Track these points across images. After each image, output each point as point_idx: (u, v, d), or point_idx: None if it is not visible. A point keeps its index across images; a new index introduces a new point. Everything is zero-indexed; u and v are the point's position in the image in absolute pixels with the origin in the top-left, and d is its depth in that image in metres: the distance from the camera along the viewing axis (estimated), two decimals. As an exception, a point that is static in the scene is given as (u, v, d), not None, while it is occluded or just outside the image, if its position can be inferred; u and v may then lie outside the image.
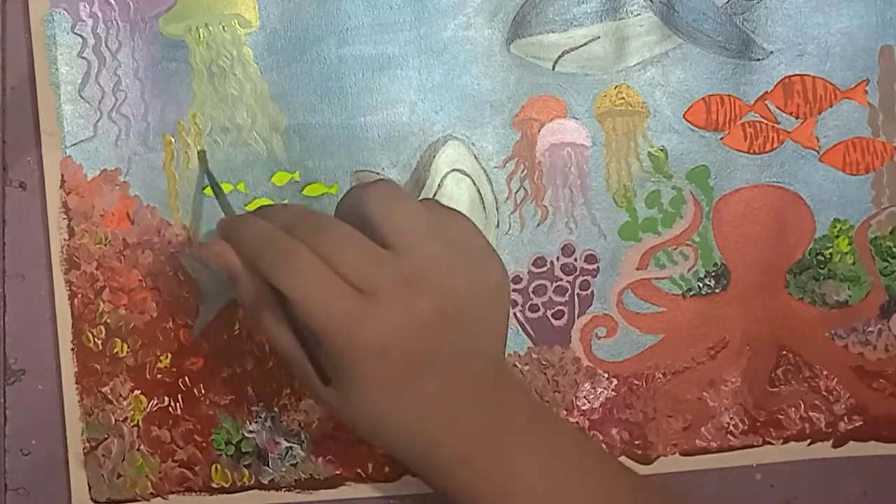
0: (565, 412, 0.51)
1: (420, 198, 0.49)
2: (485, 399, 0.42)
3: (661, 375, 0.51)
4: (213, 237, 0.43)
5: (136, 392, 0.50)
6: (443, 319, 0.40)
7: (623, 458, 0.51)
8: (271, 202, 0.50)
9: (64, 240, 0.50)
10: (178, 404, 0.50)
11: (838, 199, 0.50)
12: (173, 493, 0.50)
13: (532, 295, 0.50)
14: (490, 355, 0.43)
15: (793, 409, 0.51)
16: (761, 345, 0.51)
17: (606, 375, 0.51)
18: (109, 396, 0.50)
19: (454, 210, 0.43)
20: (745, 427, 0.51)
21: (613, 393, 0.51)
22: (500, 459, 0.42)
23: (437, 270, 0.40)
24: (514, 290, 0.50)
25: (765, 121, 0.50)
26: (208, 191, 0.49)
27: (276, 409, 0.50)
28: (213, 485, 0.50)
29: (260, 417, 0.50)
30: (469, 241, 0.42)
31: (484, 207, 0.50)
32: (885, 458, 0.51)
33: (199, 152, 0.49)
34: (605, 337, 0.51)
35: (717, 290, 0.51)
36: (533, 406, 0.47)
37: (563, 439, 0.45)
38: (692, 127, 0.50)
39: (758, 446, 0.51)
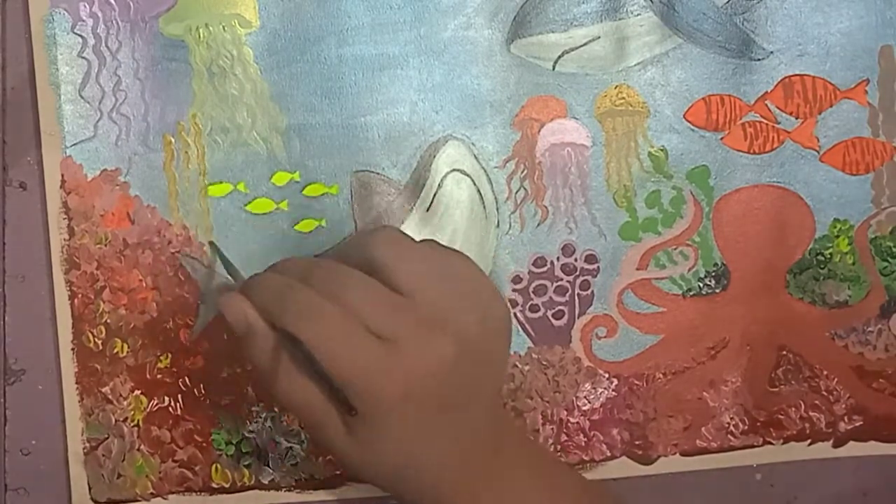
0: (566, 412, 0.51)
1: (420, 199, 0.50)
2: (487, 431, 0.43)
3: (661, 375, 0.51)
4: (229, 294, 0.42)
5: (137, 392, 0.50)
6: (459, 361, 0.40)
7: (623, 459, 0.51)
8: (271, 202, 0.50)
9: (64, 240, 0.50)
10: (178, 404, 0.50)
11: (838, 199, 0.50)
12: (173, 493, 0.50)
13: (532, 295, 0.50)
14: (494, 391, 0.44)
15: (793, 409, 0.51)
16: (761, 345, 0.51)
17: (607, 375, 0.51)
18: (109, 396, 0.50)
19: (455, 250, 0.43)
20: (746, 427, 0.51)
21: (614, 393, 0.51)
22: (500, 488, 0.43)
23: (450, 313, 0.40)
24: (515, 290, 0.50)
25: (765, 121, 0.50)
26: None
27: (276, 409, 0.50)
28: (213, 485, 0.50)
29: (260, 417, 0.50)
30: (474, 280, 0.42)
31: (484, 207, 0.50)
32: (885, 458, 0.51)
33: (209, 243, 0.49)
34: (605, 337, 0.51)
35: (717, 290, 0.51)
36: (522, 434, 0.48)
37: (553, 471, 0.46)
38: (692, 127, 0.50)
39: (758, 446, 0.51)
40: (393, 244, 0.41)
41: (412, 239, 0.42)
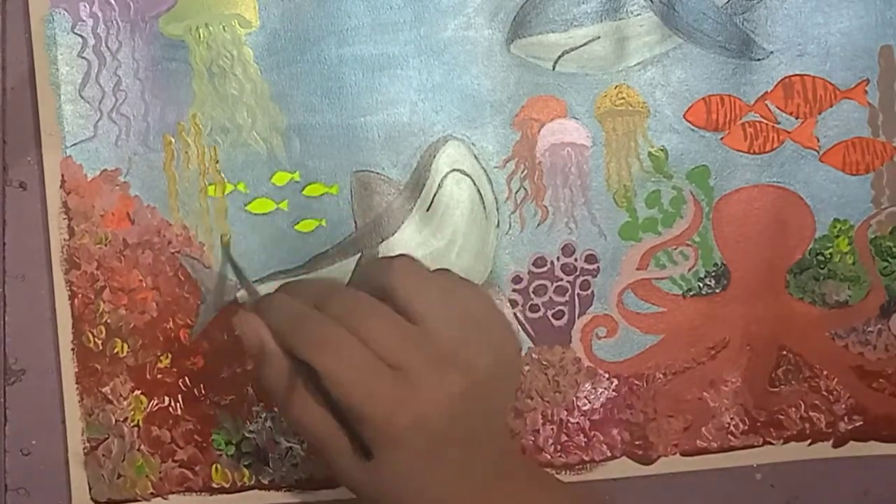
0: (566, 412, 0.51)
1: (420, 199, 0.50)
2: (494, 465, 0.43)
3: (661, 375, 0.51)
4: (244, 313, 0.42)
5: (137, 392, 0.50)
6: (470, 394, 0.40)
7: (624, 459, 0.51)
8: (271, 202, 0.50)
9: (64, 240, 0.50)
10: (178, 404, 0.50)
11: (838, 199, 0.50)
12: (173, 493, 0.50)
13: (532, 295, 0.50)
14: (503, 423, 0.45)
15: (793, 409, 0.51)
16: (761, 345, 0.51)
17: (607, 375, 0.51)
18: (109, 396, 0.50)
19: (470, 282, 0.43)
20: (746, 427, 0.51)
21: (614, 393, 0.51)
22: None
23: (462, 345, 0.40)
24: (515, 290, 0.50)
25: (765, 121, 0.50)
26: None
27: (276, 409, 0.50)
28: (214, 485, 0.50)
29: (260, 417, 0.50)
30: (488, 314, 0.42)
31: (484, 207, 0.50)
32: (885, 458, 0.51)
33: (221, 237, 0.49)
34: (605, 337, 0.51)
35: (717, 290, 0.51)
36: (528, 465, 0.48)
37: (559, 497, 0.46)
38: (692, 127, 0.50)
39: (758, 446, 0.51)
40: (410, 273, 0.41)
41: (427, 268, 0.42)
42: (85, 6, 0.49)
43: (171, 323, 0.50)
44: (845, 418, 0.51)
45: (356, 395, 0.39)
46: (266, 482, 0.50)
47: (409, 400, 0.39)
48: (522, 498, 0.44)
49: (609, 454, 0.51)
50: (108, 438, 0.50)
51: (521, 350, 0.44)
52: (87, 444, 0.50)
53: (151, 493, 0.50)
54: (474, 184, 0.50)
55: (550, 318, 0.51)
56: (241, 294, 0.49)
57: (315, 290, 0.42)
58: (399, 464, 0.40)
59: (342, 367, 0.39)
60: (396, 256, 0.42)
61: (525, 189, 0.50)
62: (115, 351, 0.50)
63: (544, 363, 0.50)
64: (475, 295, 0.43)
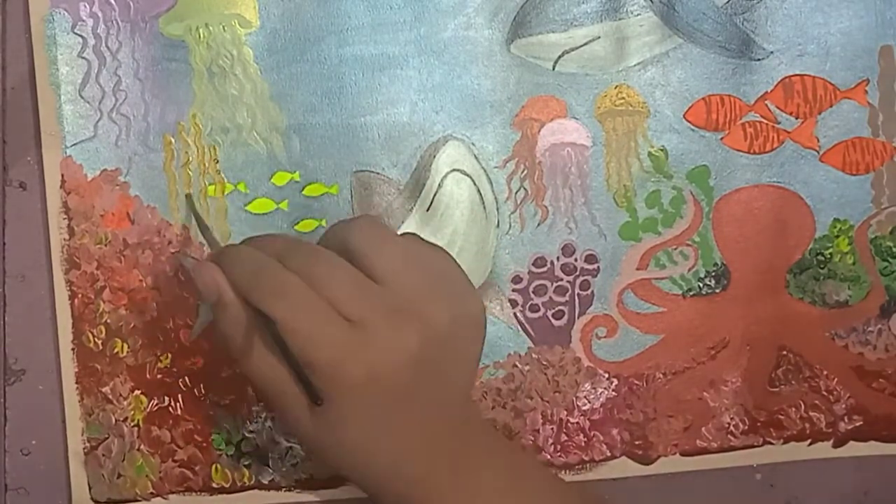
0: (566, 412, 0.51)
1: (420, 199, 0.50)
2: (454, 427, 0.43)
3: (661, 375, 0.51)
4: (203, 262, 0.43)
5: (137, 392, 0.50)
6: (426, 351, 0.40)
7: (623, 459, 0.51)
8: (271, 202, 0.50)
9: (64, 240, 0.50)
10: (178, 404, 0.50)
11: (838, 199, 0.50)
12: (173, 493, 0.50)
13: (532, 295, 0.50)
14: (463, 384, 0.44)
15: (793, 409, 0.51)
16: (761, 345, 0.51)
17: (607, 375, 0.51)
18: (109, 396, 0.50)
19: (434, 244, 0.44)
20: (746, 427, 0.51)
21: (614, 393, 0.51)
22: (465, 486, 0.43)
23: (422, 302, 0.41)
24: (514, 290, 0.50)
25: (765, 121, 0.50)
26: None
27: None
28: (214, 485, 0.50)
29: (260, 417, 0.50)
30: (450, 274, 0.43)
31: (484, 207, 0.50)
32: (885, 458, 0.51)
33: (186, 195, 0.49)
34: (605, 337, 0.51)
35: (717, 290, 0.51)
36: (492, 433, 0.48)
37: (521, 462, 0.46)
38: (692, 127, 0.50)
39: (758, 446, 0.51)
40: (371, 232, 0.41)
41: (392, 230, 0.42)
42: (85, 6, 0.49)
43: (171, 323, 0.50)
44: (845, 418, 0.51)
45: (311, 347, 0.39)
46: (266, 482, 0.50)
47: (362, 351, 0.39)
48: (482, 460, 0.43)
49: (609, 454, 0.51)
50: (108, 438, 0.50)
51: (484, 311, 0.43)
52: (87, 444, 0.50)
53: (151, 493, 0.50)
54: (474, 184, 0.50)
55: (550, 318, 0.51)
56: (189, 260, 0.49)
57: (278, 244, 0.42)
58: (349, 414, 0.40)
59: (296, 316, 0.39)
60: (359, 217, 0.43)
61: (525, 189, 0.50)
62: (115, 351, 0.50)
63: (544, 363, 0.50)
64: (438, 256, 0.43)
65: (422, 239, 0.43)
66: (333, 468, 0.43)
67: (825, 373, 0.51)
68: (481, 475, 0.43)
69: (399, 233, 0.43)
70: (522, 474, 0.45)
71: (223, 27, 0.49)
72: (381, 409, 0.40)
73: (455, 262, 0.43)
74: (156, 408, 0.50)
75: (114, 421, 0.50)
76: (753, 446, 0.51)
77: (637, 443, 0.51)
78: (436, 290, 0.41)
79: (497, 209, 0.50)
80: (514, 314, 0.50)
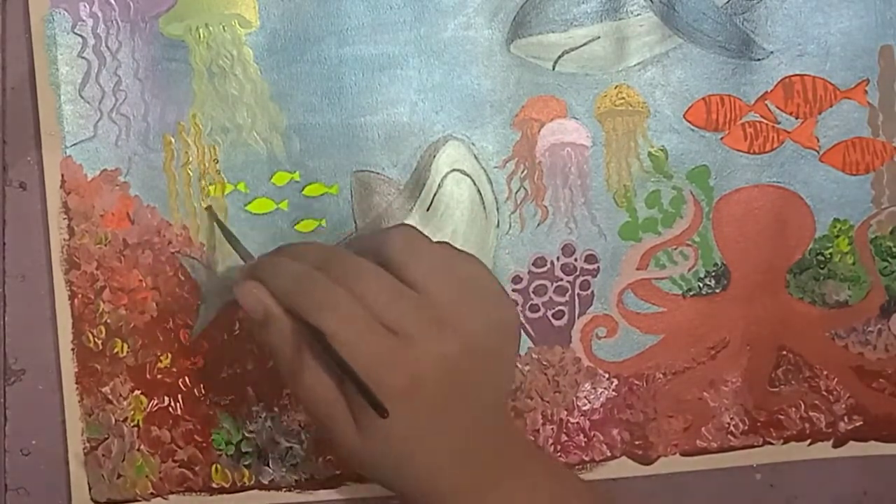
0: (566, 412, 0.51)
1: (420, 199, 0.50)
2: (491, 433, 0.43)
3: (661, 375, 0.51)
4: (242, 278, 0.43)
5: (137, 392, 0.50)
6: (465, 359, 0.40)
7: (623, 459, 0.51)
8: (271, 202, 0.50)
9: (64, 240, 0.50)
10: (178, 404, 0.50)
11: (838, 199, 0.50)
12: (173, 493, 0.50)
13: (532, 295, 0.50)
14: (500, 392, 0.45)
15: (793, 409, 0.51)
16: (761, 345, 0.51)
17: (607, 375, 0.51)
18: (109, 396, 0.50)
19: (468, 253, 0.44)
20: (746, 427, 0.51)
21: (614, 393, 0.51)
22: (505, 495, 0.43)
23: (459, 311, 0.41)
24: (515, 291, 0.50)
25: (765, 121, 0.50)
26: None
27: (276, 409, 0.50)
28: (214, 485, 0.50)
29: (260, 417, 0.50)
30: (484, 281, 0.43)
31: (484, 207, 0.50)
32: (885, 458, 0.51)
33: (206, 208, 0.49)
34: (605, 337, 0.51)
35: (717, 290, 0.51)
36: (525, 441, 0.48)
37: (556, 469, 0.46)
38: (692, 127, 0.50)
39: (758, 446, 0.51)
40: (409, 241, 0.42)
41: (428, 238, 0.42)
42: (85, 6, 0.49)
43: (171, 323, 0.50)
44: (845, 418, 0.51)
45: (354, 354, 0.39)
46: (266, 482, 0.50)
47: (404, 361, 0.39)
48: (517, 469, 0.43)
49: (609, 454, 0.51)
50: (108, 438, 0.50)
51: (518, 319, 0.44)
52: (87, 444, 0.50)
53: (151, 493, 0.50)
54: (474, 184, 0.50)
55: (550, 318, 0.51)
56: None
57: (315, 253, 0.42)
58: (393, 427, 0.40)
59: (344, 327, 0.39)
60: (395, 226, 0.43)
61: (525, 189, 0.50)
62: (115, 351, 0.50)
63: (544, 363, 0.50)
64: (473, 264, 0.43)
65: (454, 247, 0.43)
66: (381, 482, 0.42)
67: (825, 373, 0.51)
68: (520, 483, 0.43)
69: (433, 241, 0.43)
70: (558, 483, 0.45)
71: (223, 27, 0.49)
72: (422, 418, 0.40)
73: (487, 268, 0.43)
74: (156, 408, 0.50)
75: (114, 421, 0.50)
76: (753, 446, 0.51)
77: (637, 443, 0.51)
78: (472, 297, 0.41)
79: (497, 209, 0.50)
80: (514, 314, 0.50)
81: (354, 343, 0.39)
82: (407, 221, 0.50)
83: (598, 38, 0.50)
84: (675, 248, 0.51)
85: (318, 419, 0.41)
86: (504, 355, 0.44)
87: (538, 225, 0.50)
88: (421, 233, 0.42)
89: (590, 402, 0.51)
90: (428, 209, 0.50)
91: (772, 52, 0.50)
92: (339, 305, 0.39)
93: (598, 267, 0.51)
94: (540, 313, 0.51)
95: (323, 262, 0.41)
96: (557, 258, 0.50)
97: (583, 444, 0.51)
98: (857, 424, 0.51)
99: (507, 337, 0.44)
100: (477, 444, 0.42)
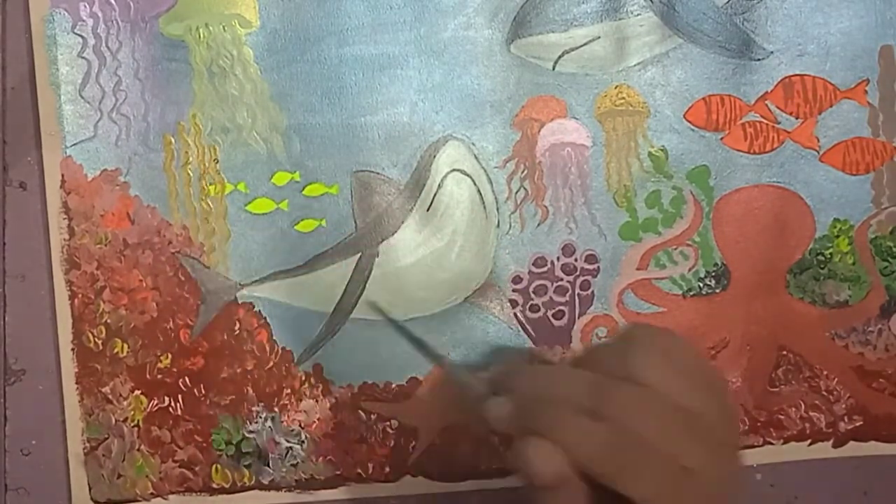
0: (565, 412, 0.50)
1: (420, 199, 0.50)
2: None
3: (661, 375, 0.51)
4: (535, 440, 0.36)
5: (137, 392, 0.50)
6: (734, 479, 0.38)
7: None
8: (271, 202, 0.50)
9: (64, 240, 0.50)
10: (178, 404, 0.50)
11: (838, 199, 0.50)
12: (173, 493, 0.50)
13: (532, 295, 0.50)
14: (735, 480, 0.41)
15: (793, 409, 0.51)
16: (761, 345, 0.51)
17: (607, 375, 0.51)
18: (109, 396, 0.50)
19: (685, 342, 0.39)
20: (746, 427, 0.51)
21: (614, 393, 0.51)
22: None
23: (727, 429, 0.38)
24: (515, 290, 0.50)
25: (765, 121, 0.50)
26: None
27: (276, 409, 0.50)
28: (214, 485, 0.50)
29: (260, 417, 0.50)
30: (716, 381, 0.39)
31: (484, 207, 0.50)
32: (885, 458, 0.51)
33: (370, 303, 0.49)
34: (605, 337, 0.51)
35: (717, 290, 0.51)
36: None
37: None
38: (692, 127, 0.50)
39: (758, 446, 0.51)
40: (657, 359, 0.37)
41: (664, 343, 0.38)
42: (85, 6, 0.49)
43: (171, 323, 0.50)
44: (845, 418, 0.51)
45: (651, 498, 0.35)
46: (266, 482, 0.50)
47: (693, 498, 0.36)
48: None
49: (609, 454, 0.51)
50: (108, 438, 0.50)
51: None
52: (87, 444, 0.50)
53: (151, 493, 0.50)
54: (474, 184, 0.50)
55: (551, 318, 0.51)
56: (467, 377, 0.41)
57: (575, 384, 0.37)
58: None
59: (661, 492, 0.35)
60: (637, 341, 0.37)
61: (525, 189, 0.50)
62: (115, 351, 0.50)
63: (544, 363, 0.50)
64: (695, 357, 0.39)
65: (676, 337, 0.39)
66: None
67: (825, 373, 0.51)
68: None
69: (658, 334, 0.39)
70: None
71: (223, 27, 0.49)
72: None
73: (707, 361, 0.41)
74: (156, 408, 0.50)
75: (114, 421, 0.50)
76: (753, 446, 0.51)
77: (637, 443, 0.51)
78: (726, 410, 0.38)
79: (497, 209, 0.50)
80: (515, 314, 0.50)
81: (657, 491, 0.35)
82: (407, 221, 0.50)
83: (598, 38, 0.50)
84: (676, 248, 0.51)
85: None
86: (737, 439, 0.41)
87: (538, 225, 0.50)
88: (659, 337, 0.38)
89: (590, 402, 0.51)
90: (428, 209, 0.50)
91: (772, 52, 0.50)
92: (650, 467, 0.35)
93: (599, 267, 0.51)
94: (540, 313, 0.51)
95: (595, 399, 0.36)
96: (557, 258, 0.50)
97: (583, 444, 0.51)
98: (857, 424, 0.51)
99: (736, 424, 0.41)
100: None
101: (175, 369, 0.50)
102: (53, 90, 0.49)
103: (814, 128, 0.50)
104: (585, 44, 0.50)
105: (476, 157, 0.50)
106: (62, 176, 0.50)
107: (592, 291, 0.51)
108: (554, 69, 0.50)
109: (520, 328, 0.50)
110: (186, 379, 0.50)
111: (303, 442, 0.50)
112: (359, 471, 0.50)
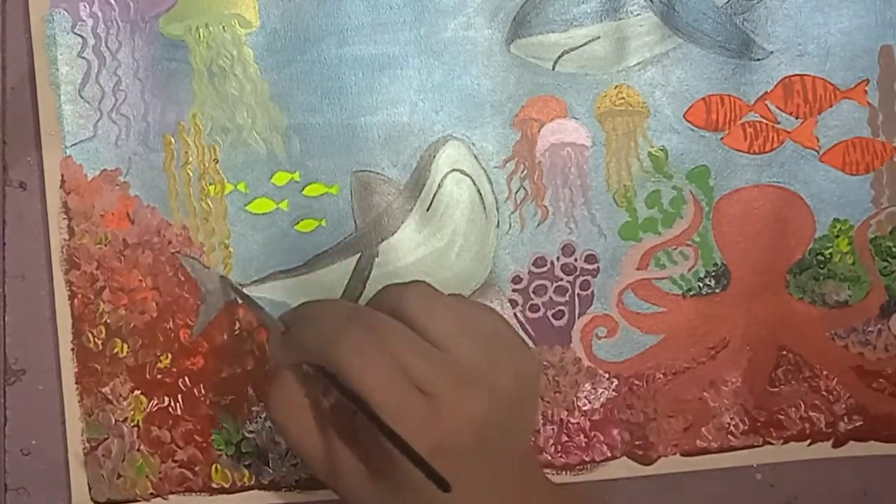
0: (566, 412, 0.51)
1: (420, 199, 0.50)
2: (517, 484, 0.43)
3: (661, 376, 0.51)
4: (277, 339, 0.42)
5: (136, 392, 0.50)
6: (492, 416, 0.40)
7: (624, 459, 0.51)
8: (271, 202, 0.50)
9: (64, 240, 0.50)
10: (178, 404, 0.50)
11: (838, 199, 0.50)
12: (173, 493, 0.50)
13: (532, 295, 0.50)
14: (525, 439, 0.44)
15: (793, 409, 0.51)
16: (761, 345, 0.51)
17: (607, 376, 0.51)
18: (109, 396, 0.50)
19: (483, 304, 0.43)
20: (746, 427, 0.51)
21: (614, 393, 0.51)
22: None
23: (486, 369, 0.40)
24: (514, 291, 0.50)
25: (765, 121, 0.50)
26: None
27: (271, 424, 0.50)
28: (213, 485, 0.50)
29: (260, 417, 0.50)
30: (504, 335, 0.42)
31: (484, 207, 0.50)
32: (885, 458, 0.51)
33: (220, 278, 0.49)
34: (605, 337, 0.51)
35: (717, 290, 0.51)
36: (547, 482, 0.47)
37: None
38: (692, 127, 0.50)
39: (758, 446, 0.51)
40: (426, 298, 0.41)
41: (441, 293, 0.41)
42: (85, 6, 0.49)
43: (171, 323, 0.50)
44: (845, 418, 0.51)
45: (387, 419, 0.38)
46: (266, 482, 0.50)
47: (433, 424, 0.38)
48: None
49: (609, 454, 0.51)
50: (108, 438, 0.50)
51: (540, 367, 0.43)
52: (87, 444, 0.50)
53: (151, 494, 0.50)
54: (474, 184, 0.50)
55: (550, 318, 0.51)
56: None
57: (340, 310, 0.41)
58: (416, 487, 0.39)
59: (384, 392, 0.38)
60: (410, 283, 0.41)
61: (525, 189, 0.50)
62: (115, 351, 0.50)
63: (544, 363, 0.50)
64: (491, 317, 0.42)
65: (468, 299, 0.43)
66: None
67: (825, 373, 0.51)
68: None
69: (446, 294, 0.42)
70: None
71: (223, 27, 0.49)
72: (451, 478, 0.38)
73: (504, 319, 0.43)
74: (156, 408, 0.50)
75: (114, 421, 0.50)
76: (753, 446, 0.51)
77: (637, 443, 0.51)
78: (495, 353, 0.41)
79: (497, 209, 0.50)
80: (514, 314, 0.50)
81: (392, 407, 0.38)
82: (407, 221, 0.50)
83: (598, 38, 0.50)
84: (675, 248, 0.51)
85: (322, 474, 0.41)
86: (529, 405, 0.43)
87: (538, 225, 0.50)
88: (435, 288, 0.41)
89: (590, 403, 0.51)
90: (428, 209, 0.50)
91: (772, 52, 0.50)
92: (381, 368, 0.38)
93: (598, 267, 0.51)
94: (540, 313, 0.51)
95: (350, 320, 0.40)
96: (557, 258, 0.50)
97: (583, 444, 0.51)
98: (857, 424, 0.51)
99: (531, 387, 0.43)
100: (505, 494, 0.42)
101: (175, 369, 0.50)
102: (53, 90, 0.49)
103: (814, 128, 0.50)
104: (585, 44, 0.50)
105: (476, 157, 0.50)
106: (62, 176, 0.50)
107: (592, 291, 0.51)
108: (554, 69, 0.50)
109: (519, 328, 0.50)
110: (186, 379, 0.50)
111: (303, 442, 0.50)
112: (359, 471, 0.50)
